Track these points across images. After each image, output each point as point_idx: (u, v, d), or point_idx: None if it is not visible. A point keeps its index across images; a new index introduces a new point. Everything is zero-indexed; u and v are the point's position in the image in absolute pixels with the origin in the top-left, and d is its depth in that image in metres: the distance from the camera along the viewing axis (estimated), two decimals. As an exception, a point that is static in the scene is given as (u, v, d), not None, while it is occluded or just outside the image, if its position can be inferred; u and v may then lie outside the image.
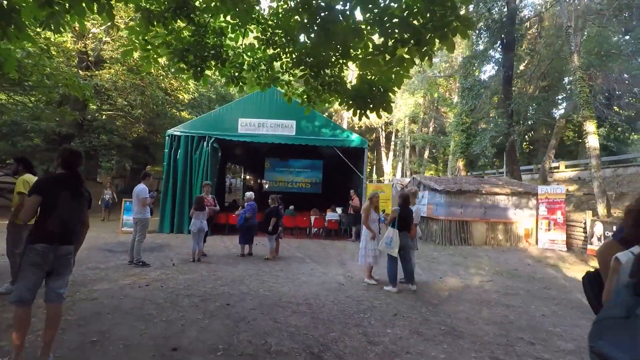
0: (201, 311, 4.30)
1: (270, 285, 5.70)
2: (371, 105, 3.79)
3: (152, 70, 13.18)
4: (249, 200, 8.46)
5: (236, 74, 5.24)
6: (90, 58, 13.52)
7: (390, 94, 3.80)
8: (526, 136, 20.32)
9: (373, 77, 3.72)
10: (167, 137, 11.95)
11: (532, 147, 32.91)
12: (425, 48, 2.58)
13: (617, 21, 17.89)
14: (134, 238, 6.85)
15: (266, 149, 19.65)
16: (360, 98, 3.78)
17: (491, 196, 12.09)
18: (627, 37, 20.90)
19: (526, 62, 21.91)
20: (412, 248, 6.29)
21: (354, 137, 12.05)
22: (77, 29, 12.28)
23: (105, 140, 16.98)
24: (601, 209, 10.46)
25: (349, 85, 3.89)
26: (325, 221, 11.93)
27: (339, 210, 13.12)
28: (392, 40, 2.64)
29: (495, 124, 15.16)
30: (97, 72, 12.25)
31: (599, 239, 9.51)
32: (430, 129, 40.92)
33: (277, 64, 5.00)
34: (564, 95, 25.08)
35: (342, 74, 3.87)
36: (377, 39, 3.14)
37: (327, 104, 4.94)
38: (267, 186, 21.41)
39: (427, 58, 2.70)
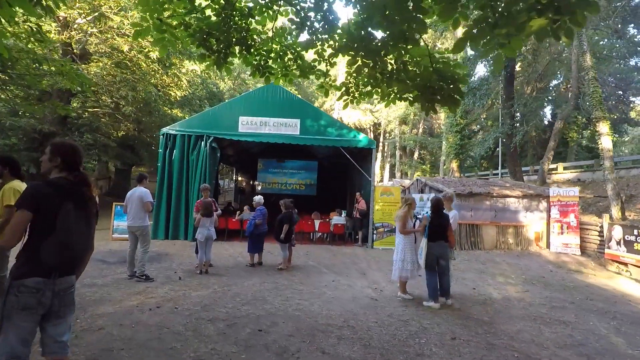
0: (232, 341, 3.61)
1: (297, 303, 5.04)
2: (439, 98, 3.20)
3: (144, 65, 12.29)
4: (258, 205, 7.75)
5: (262, 62, 4.58)
6: (75, 51, 12.50)
7: (461, 85, 3.22)
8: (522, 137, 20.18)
9: (440, 65, 3.14)
10: (161, 136, 11.10)
11: (521, 149, 33.17)
12: (567, 19, 1.98)
13: (607, 25, 17.97)
14: (131, 249, 6.07)
15: (259, 149, 18.93)
16: (429, 90, 3.19)
17: (501, 199, 11.74)
18: (620, 41, 21.15)
19: (519, 63, 21.89)
20: (450, 258, 5.77)
21: (362, 137, 11.48)
22: (61, 18, 11.30)
23: (90, 139, 15.91)
24: (615, 212, 10.21)
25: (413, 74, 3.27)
26: (331, 225, 11.31)
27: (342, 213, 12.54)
28: (525, 4, 2.01)
29: (498, 125, 14.83)
30: (83, 65, 11.27)
31: (618, 243, 9.22)
32: (420, 130, 40.87)
33: (311, 51, 4.36)
34: (552, 97, 25.28)
35: (406, 59, 3.25)
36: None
37: (366, 98, 4.33)
38: (259, 188, 20.69)
39: (563, 34, 2.09)
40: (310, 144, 11.26)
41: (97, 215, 2.28)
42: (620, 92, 25.32)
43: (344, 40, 3.53)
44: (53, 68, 6.06)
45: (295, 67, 4.65)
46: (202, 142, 10.98)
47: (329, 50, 4.07)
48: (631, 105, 26.91)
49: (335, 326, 4.18)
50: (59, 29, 11.09)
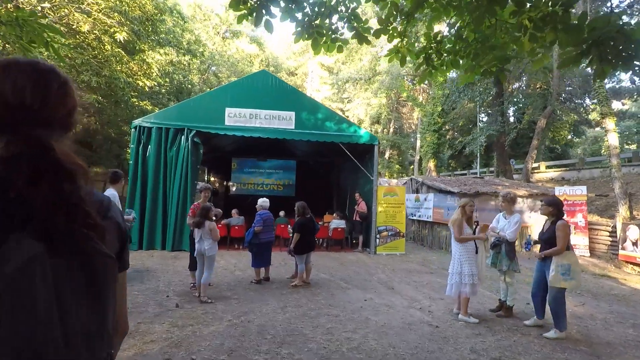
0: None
1: (347, 338, 3.89)
2: (618, 58, 2.21)
3: (108, 47, 10.47)
4: (261, 209, 6.47)
5: (314, 22, 3.40)
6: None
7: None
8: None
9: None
10: (133, 130, 9.46)
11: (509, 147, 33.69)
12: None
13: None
14: None
15: (232, 147, 17.44)
16: (600, 44, 2.19)
17: (505, 198, 11.21)
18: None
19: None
20: (514, 271, 4.90)
21: (362, 132, 10.47)
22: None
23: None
24: (623, 211, 9.94)
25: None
26: (330, 230, 10.21)
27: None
28: None
29: (490, 122, 14.44)
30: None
31: (635, 244, 8.89)
32: (391, 130, 40.75)
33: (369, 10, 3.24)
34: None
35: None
36: None
37: (449, 69, 3.29)
38: (234, 189, 19.20)
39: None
40: (307, 139, 10.07)
41: (122, 259, 1.04)
42: (585, 94, 26.32)
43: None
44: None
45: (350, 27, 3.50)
46: (183, 137, 9.47)
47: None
48: (590, 107, 28.10)
49: (421, 375, 3.09)
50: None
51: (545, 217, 4.64)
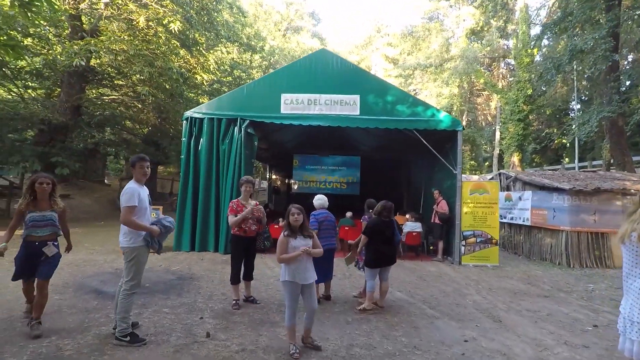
0: None
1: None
2: None
3: (163, 37, 9.98)
4: (318, 208, 5.10)
5: None
6: (84, 25, 10.43)
7: None
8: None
9: None
10: (184, 122, 8.76)
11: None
12: None
13: None
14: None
15: (293, 143, 16.46)
16: None
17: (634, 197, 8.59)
18: None
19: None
20: None
21: (442, 115, 8.65)
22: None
23: (110, 135, 13.94)
24: None
25: None
26: (403, 234, 8.57)
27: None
28: None
29: (607, 101, 11.48)
30: (90, 39, 9.12)
31: None
32: (464, 123, 37.16)
33: None
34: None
35: None
36: None
37: None
38: (296, 187, 18.36)
39: None
40: (375, 127, 8.52)
41: None
42: None
43: None
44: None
45: None
46: (235, 128, 8.54)
47: None
48: None
49: None
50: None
51: None
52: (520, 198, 10.32)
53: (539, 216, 9.46)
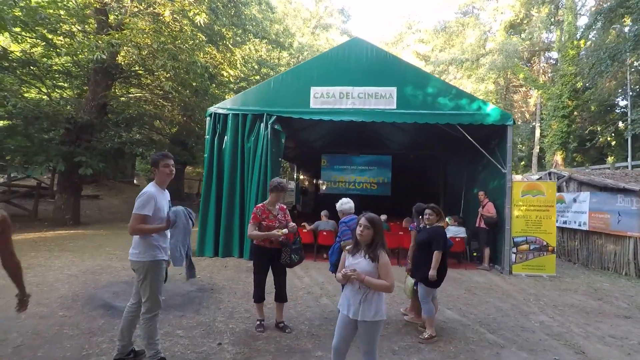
0: None
1: None
2: None
3: (188, 30, 9.58)
4: (347, 214, 4.34)
5: None
6: (110, 20, 10.21)
7: None
8: None
9: None
10: (207, 118, 8.28)
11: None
12: None
13: None
14: (131, 302, 3.01)
15: (321, 142, 15.82)
16: None
17: None
18: None
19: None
20: None
21: (490, 108, 7.73)
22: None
23: (138, 134, 13.77)
24: None
25: None
26: (445, 240, 7.70)
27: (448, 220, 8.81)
28: None
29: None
30: (114, 33, 8.84)
31: None
32: (501, 120, 35.22)
33: None
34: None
35: None
36: None
37: None
38: (324, 188, 17.74)
39: None
40: (413, 121, 7.70)
41: None
42: None
43: None
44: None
45: None
46: (262, 124, 7.97)
47: None
48: None
49: None
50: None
51: None
52: (575, 200, 9.21)
53: (599, 220, 8.35)
